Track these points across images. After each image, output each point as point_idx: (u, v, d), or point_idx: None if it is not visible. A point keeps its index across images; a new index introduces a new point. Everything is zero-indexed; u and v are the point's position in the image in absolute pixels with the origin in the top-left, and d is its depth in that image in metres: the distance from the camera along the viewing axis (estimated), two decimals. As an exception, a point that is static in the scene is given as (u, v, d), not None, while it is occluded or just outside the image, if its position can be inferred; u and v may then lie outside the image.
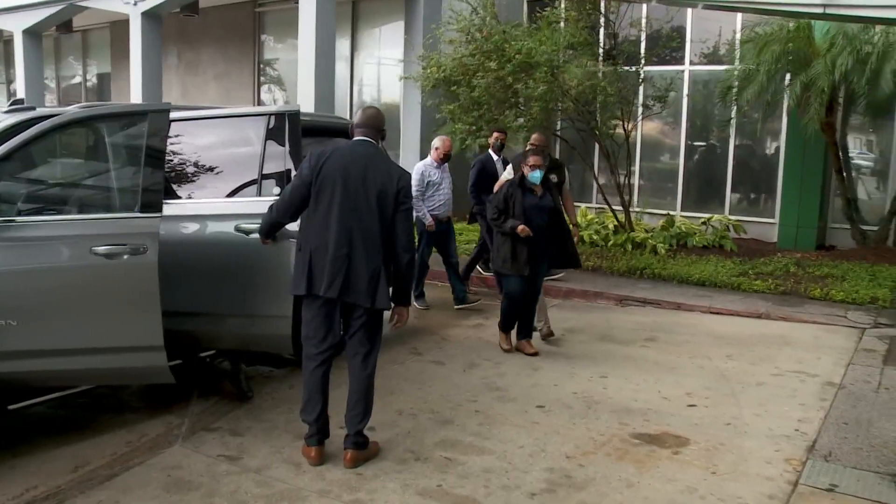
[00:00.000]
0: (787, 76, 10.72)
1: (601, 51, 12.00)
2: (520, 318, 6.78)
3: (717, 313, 8.32)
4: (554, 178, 7.24)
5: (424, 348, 6.86)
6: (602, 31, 12.22)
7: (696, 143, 13.64)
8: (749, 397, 5.69)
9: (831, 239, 12.14)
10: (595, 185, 12.93)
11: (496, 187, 7.69)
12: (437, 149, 8.23)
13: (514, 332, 6.85)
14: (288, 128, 5.21)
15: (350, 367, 4.51)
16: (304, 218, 4.42)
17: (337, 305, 4.36)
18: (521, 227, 6.37)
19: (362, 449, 4.48)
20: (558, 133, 12.44)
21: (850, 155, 12.38)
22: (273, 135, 5.23)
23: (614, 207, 11.83)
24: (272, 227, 4.61)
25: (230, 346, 5.56)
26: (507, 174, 7.69)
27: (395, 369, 6.23)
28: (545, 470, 4.40)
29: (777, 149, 12.72)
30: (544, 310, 7.09)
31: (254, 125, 5.35)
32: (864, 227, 11.51)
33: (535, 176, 6.52)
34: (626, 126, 11.59)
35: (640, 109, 11.94)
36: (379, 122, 4.54)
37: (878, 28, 9.77)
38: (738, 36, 11.91)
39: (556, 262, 7.00)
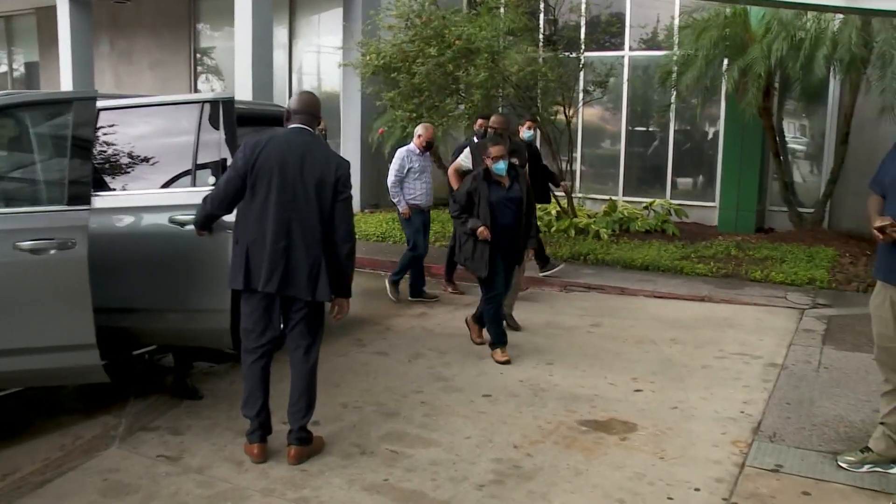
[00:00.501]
0: (725, 61, 10.84)
1: (541, 36, 11.99)
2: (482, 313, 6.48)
3: (661, 297, 8.37)
4: (514, 161, 6.86)
5: (368, 339, 6.75)
6: (542, 16, 12.19)
7: (636, 129, 13.72)
8: (694, 381, 5.71)
9: (770, 221, 12.35)
10: (537, 172, 12.91)
11: (450, 174, 7.48)
12: (419, 136, 8.01)
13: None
14: (222, 116, 5.04)
15: (291, 360, 4.39)
16: (241, 210, 4.28)
17: (277, 298, 4.23)
18: (480, 229, 5.93)
19: (306, 444, 4.36)
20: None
21: (787, 139, 12.60)
22: (207, 123, 5.06)
23: (556, 193, 11.83)
24: (207, 219, 4.47)
25: (169, 342, 5.40)
26: (462, 159, 7.44)
27: (339, 361, 6.12)
28: (493, 460, 4.34)
29: (716, 133, 12.87)
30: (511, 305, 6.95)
31: (187, 113, 5.16)
32: (801, 210, 11.72)
33: (500, 168, 6.02)
34: (567, 112, 11.59)
35: (581, 95, 11.96)
36: (315, 108, 4.41)
37: (811, 14, 9.92)
38: (676, 21, 12.00)
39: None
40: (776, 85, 11.28)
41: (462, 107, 10.90)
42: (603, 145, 14.11)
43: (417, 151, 7.99)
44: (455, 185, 7.43)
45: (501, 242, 6.06)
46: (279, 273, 4.13)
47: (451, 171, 7.53)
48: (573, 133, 12.40)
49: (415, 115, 10.85)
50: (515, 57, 10.51)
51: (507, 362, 6.06)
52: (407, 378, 5.74)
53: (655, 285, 8.69)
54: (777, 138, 11.64)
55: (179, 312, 5.03)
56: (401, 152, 8.01)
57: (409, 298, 8.19)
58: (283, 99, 14.87)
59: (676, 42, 11.49)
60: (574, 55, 11.64)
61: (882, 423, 4.20)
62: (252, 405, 4.30)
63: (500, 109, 12.06)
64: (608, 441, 4.62)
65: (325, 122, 8.31)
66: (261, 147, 4.19)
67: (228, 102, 5.07)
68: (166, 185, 5.19)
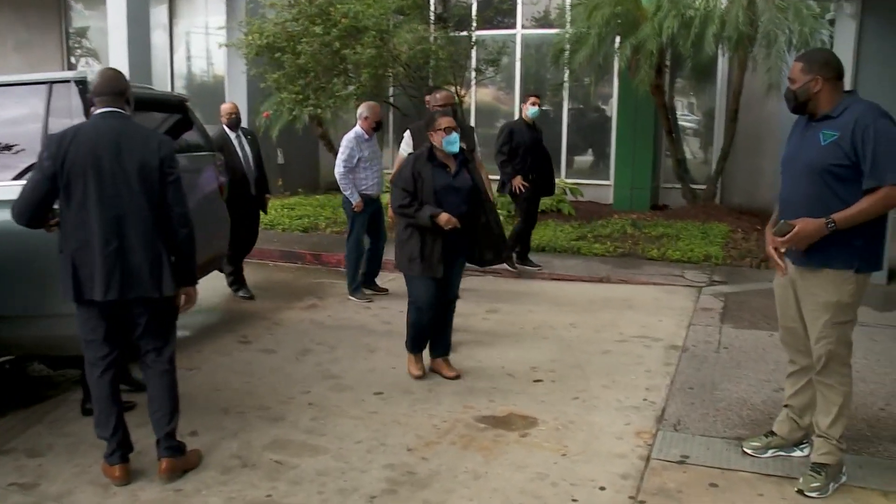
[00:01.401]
0: (617, 39, 10.75)
1: (432, 15, 11.66)
2: (434, 330, 5.39)
3: (559, 279, 8.20)
4: (462, 145, 5.95)
5: (254, 335, 6.31)
6: (432, -7, 11.89)
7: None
8: (595, 367, 5.51)
9: (664, 198, 12.42)
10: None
11: (395, 167, 6.30)
12: (366, 118, 7.13)
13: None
14: (76, 98, 4.51)
15: (143, 365, 3.94)
16: (60, 216, 3.77)
17: (115, 304, 3.76)
18: (444, 216, 4.92)
19: (179, 455, 3.94)
20: (390, 101, 12.02)
21: (678, 116, 12.67)
22: (57, 106, 4.51)
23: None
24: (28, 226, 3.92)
25: (29, 351, 4.89)
26: (404, 148, 6.44)
27: (221, 361, 5.67)
28: (385, 467, 4.00)
29: (609, 111, 12.85)
30: None
31: (34, 95, 4.60)
32: (694, 186, 11.82)
33: (452, 140, 5.03)
34: (459, 91, 11.32)
35: (474, 74, 11.72)
36: (120, 86, 3.86)
37: (700, -8, 9.93)
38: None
39: (476, 257, 5.42)
40: (667, 63, 11.30)
41: (351, 87, 10.49)
42: (496, 125, 13.85)
43: (366, 136, 7.16)
44: None
45: (446, 239, 5.07)
46: (118, 277, 3.66)
47: (397, 167, 6.25)
48: (466, 113, 12.14)
49: (301, 96, 10.42)
50: (405, 36, 10.16)
51: (421, 377, 5.27)
52: (294, 377, 5.34)
53: (553, 267, 8.51)
54: (669, 116, 11.68)
55: (38, 318, 4.50)
56: (349, 140, 7.14)
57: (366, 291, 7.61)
58: (164, 82, 14.16)
59: (568, 20, 11.36)
60: (466, 33, 11.37)
61: (786, 406, 4.08)
62: (105, 425, 3.83)
63: (390, 90, 11.71)
64: (508, 438, 4.34)
65: (230, 105, 7.55)
66: (67, 141, 3.66)
67: (82, 83, 4.53)
68: (19, 176, 4.61)
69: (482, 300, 7.37)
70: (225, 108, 7.49)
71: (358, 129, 7.18)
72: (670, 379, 5.23)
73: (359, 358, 5.73)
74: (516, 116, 13.16)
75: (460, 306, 6.89)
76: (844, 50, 7.65)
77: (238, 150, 7.29)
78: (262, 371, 5.47)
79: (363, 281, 7.62)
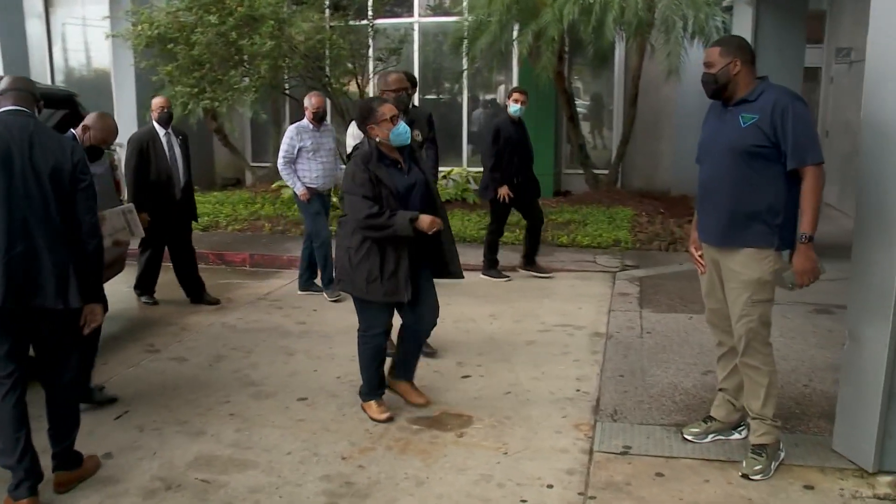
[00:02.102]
0: (517, 26, 10.71)
1: (328, 2, 11.37)
2: (404, 353, 4.67)
3: (471, 270, 8.01)
4: (418, 135, 5.23)
5: (162, 343, 5.93)
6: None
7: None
8: (522, 359, 5.41)
9: (566, 185, 12.48)
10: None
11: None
12: (306, 107, 6.97)
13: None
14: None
15: (44, 379, 3.64)
16: None
17: (16, 314, 3.43)
18: (426, 218, 4.17)
19: (75, 469, 3.69)
20: (287, 92, 11.66)
21: (578, 102, 12.76)
22: None
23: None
24: None
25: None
26: (350, 143, 5.34)
27: (129, 374, 5.29)
28: (321, 479, 3.77)
29: (510, 99, 12.80)
30: None
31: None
32: (596, 172, 11.91)
33: (403, 131, 4.24)
34: (359, 82, 11.08)
35: (373, 64, 11.49)
36: (29, 84, 3.65)
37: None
38: (466, -14, 11.77)
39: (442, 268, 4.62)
40: (566, 49, 11.34)
41: (248, 80, 10.11)
42: (395, 115, 13.72)
43: (311, 127, 6.95)
44: None
45: (412, 251, 4.30)
46: (20, 283, 3.34)
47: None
48: (366, 104, 11.90)
49: (196, 90, 9.98)
50: (302, 25, 9.85)
51: (390, 419, 4.42)
52: (211, 387, 5.02)
53: (464, 258, 8.26)
54: (570, 102, 11.72)
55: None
56: (290, 130, 6.93)
57: (298, 292, 7.32)
58: (43, 75, 13.39)
59: (466, 7, 11.25)
60: (365, 22, 11.13)
61: (721, 390, 4.09)
62: (10, 452, 3.45)
63: (287, 81, 11.37)
64: (445, 439, 4.18)
65: (162, 99, 6.94)
66: None
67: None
68: None
69: (398, 295, 7.17)
70: (156, 102, 6.87)
71: (304, 120, 7.02)
72: (599, 367, 5.18)
73: (277, 362, 5.46)
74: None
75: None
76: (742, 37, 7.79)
77: (166, 149, 6.72)
78: (175, 382, 5.13)
79: (302, 284, 7.35)
